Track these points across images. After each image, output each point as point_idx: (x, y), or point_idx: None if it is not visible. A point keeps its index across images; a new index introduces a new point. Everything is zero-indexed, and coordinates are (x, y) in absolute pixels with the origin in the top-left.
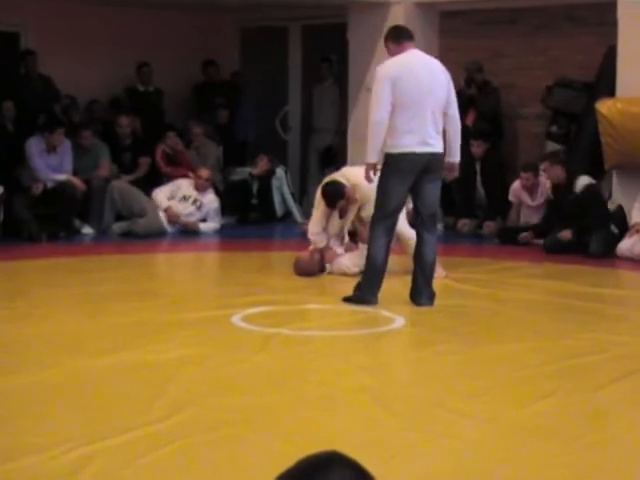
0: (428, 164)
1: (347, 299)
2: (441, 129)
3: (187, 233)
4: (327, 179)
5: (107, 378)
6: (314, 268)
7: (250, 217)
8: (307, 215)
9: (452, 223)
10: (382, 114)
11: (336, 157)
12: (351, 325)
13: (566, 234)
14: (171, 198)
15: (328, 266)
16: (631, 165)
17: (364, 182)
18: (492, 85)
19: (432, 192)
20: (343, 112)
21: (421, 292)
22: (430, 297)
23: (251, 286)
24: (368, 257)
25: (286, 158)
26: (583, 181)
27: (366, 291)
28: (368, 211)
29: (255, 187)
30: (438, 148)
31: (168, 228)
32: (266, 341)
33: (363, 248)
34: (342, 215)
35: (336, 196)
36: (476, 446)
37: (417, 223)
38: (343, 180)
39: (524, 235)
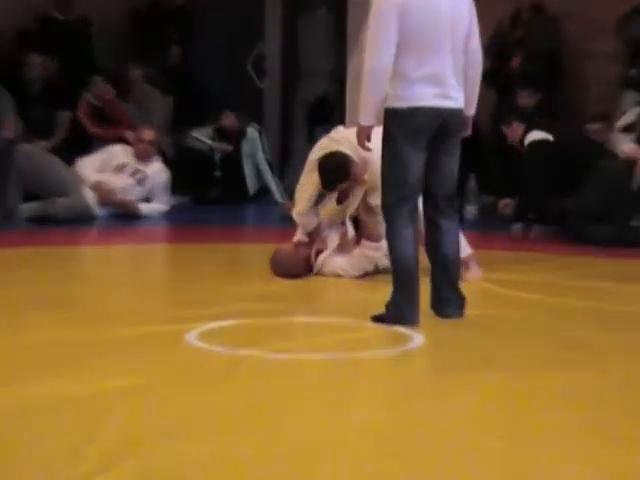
0: (446, 124)
1: (378, 318)
2: (461, 75)
3: (124, 217)
4: (323, 146)
5: (16, 417)
6: (298, 266)
7: (211, 195)
8: (291, 192)
9: (491, 203)
10: (384, 58)
11: (331, 112)
12: (350, 346)
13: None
14: (102, 170)
15: (320, 262)
16: None
17: (376, 155)
18: (546, 13)
19: (449, 163)
20: (340, 51)
21: (445, 298)
22: (459, 305)
23: (212, 291)
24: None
25: (261, 114)
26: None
27: (403, 306)
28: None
29: (218, 154)
30: (459, 102)
31: (98, 210)
32: (232, 367)
33: (367, 248)
34: (341, 200)
35: (338, 176)
36: None
37: (429, 207)
38: (347, 151)
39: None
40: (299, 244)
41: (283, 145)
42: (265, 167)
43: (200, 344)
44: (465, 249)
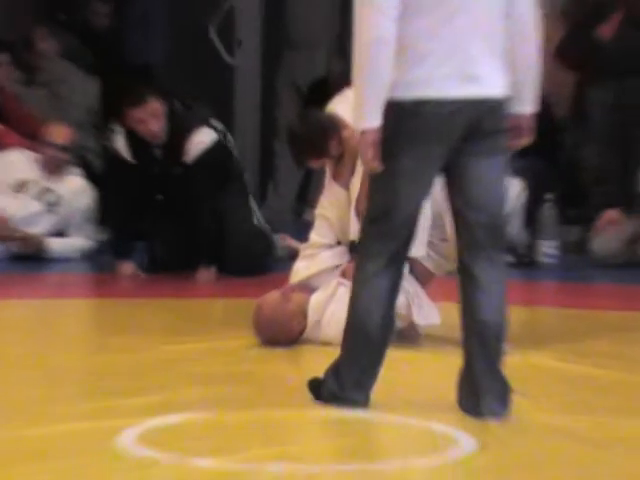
0: (476, 123)
1: (312, 387)
2: (500, 49)
3: (27, 259)
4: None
5: None
6: (290, 326)
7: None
8: (278, 219)
9: (582, 237)
10: (384, 23)
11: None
12: (363, 453)
13: None
14: None
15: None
16: None
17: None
18: None
19: (489, 178)
20: (347, 15)
21: (481, 388)
22: (501, 397)
23: (155, 368)
24: (350, 313)
25: (231, 103)
26: None
27: (346, 378)
28: None
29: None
30: (496, 87)
31: None
32: None
33: None
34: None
35: (318, 140)
36: None
37: (461, 245)
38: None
39: None
40: (290, 291)
41: (264, 149)
42: None
43: (139, 450)
44: None
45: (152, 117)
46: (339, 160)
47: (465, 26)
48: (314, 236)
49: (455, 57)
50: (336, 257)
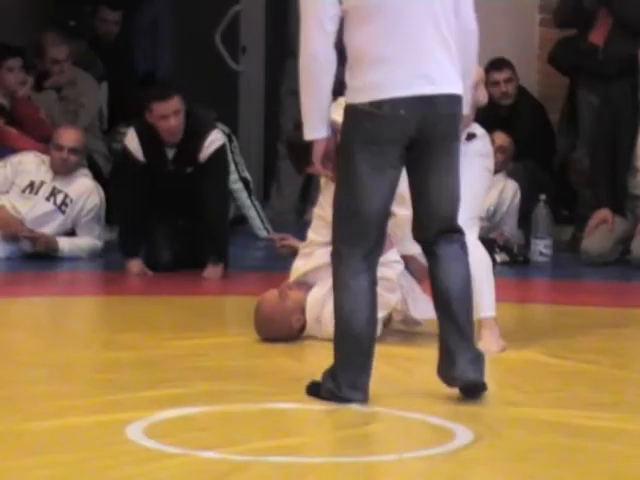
0: (432, 122)
1: (311, 391)
2: (453, 49)
3: (38, 258)
4: None
5: None
6: (289, 323)
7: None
8: (280, 219)
9: (573, 236)
10: (317, 39)
11: None
12: (362, 445)
13: None
14: (4, 190)
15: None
16: None
17: None
18: None
19: (446, 181)
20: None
21: (455, 357)
22: (474, 364)
23: (162, 363)
24: (337, 318)
25: (236, 107)
26: None
27: (341, 379)
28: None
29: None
30: (452, 87)
31: (0, 249)
32: (194, 476)
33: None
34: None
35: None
36: None
37: (423, 241)
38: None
39: None
40: (287, 289)
41: (267, 151)
42: (238, 186)
43: (146, 442)
44: (485, 307)
45: (174, 114)
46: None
47: (414, 29)
48: (311, 234)
49: (407, 59)
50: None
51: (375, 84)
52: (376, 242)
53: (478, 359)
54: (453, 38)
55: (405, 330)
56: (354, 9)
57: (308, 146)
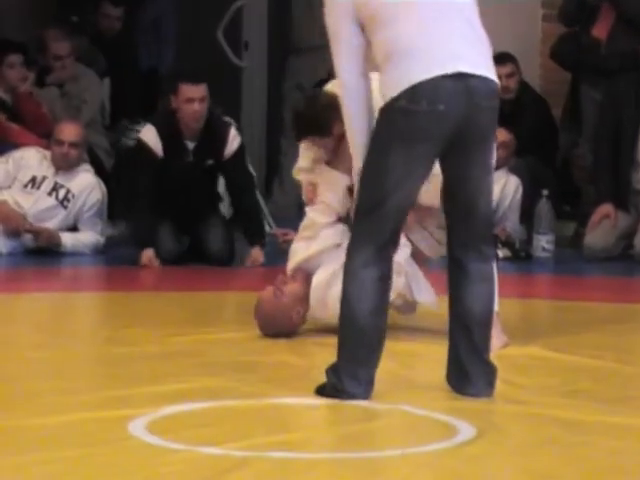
0: (472, 118)
1: (320, 390)
2: (484, 44)
3: (40, 253)
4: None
5: None
6: (289, 318)
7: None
8: (282, 215)
9: (575, 232)
10: (345, 75)
11: None
12: (366, 441)
13: None
14: (6, 186)
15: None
16: None
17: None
18: None
19: (483, 178)
20: None
21: (466, 371)
22: (486, 380)
23: (165, 359)
24: (342, 310)
25: (239, 103)
26: None
27: (344, 374)
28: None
29: (194, 154)
30: (489, 72)
31: (2, 244)
32: (198, 473)
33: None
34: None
35: (322, 117)
36: None
37: (451, 241)
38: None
39: None
40: (281, 284)
41: (270, 148)
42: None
43: (149, 438)
44: None
45: (199, 100)
46: (339, 144)
47: (452, 21)
48: (312, 214)
49: (440, 47)
50: (337, 235)
51: (408, 70)
52: (391, 236)
53: (492, 374)
54: (484, 36)
55: (407, 326)
56: (383, 6)
57: (315, 115)
